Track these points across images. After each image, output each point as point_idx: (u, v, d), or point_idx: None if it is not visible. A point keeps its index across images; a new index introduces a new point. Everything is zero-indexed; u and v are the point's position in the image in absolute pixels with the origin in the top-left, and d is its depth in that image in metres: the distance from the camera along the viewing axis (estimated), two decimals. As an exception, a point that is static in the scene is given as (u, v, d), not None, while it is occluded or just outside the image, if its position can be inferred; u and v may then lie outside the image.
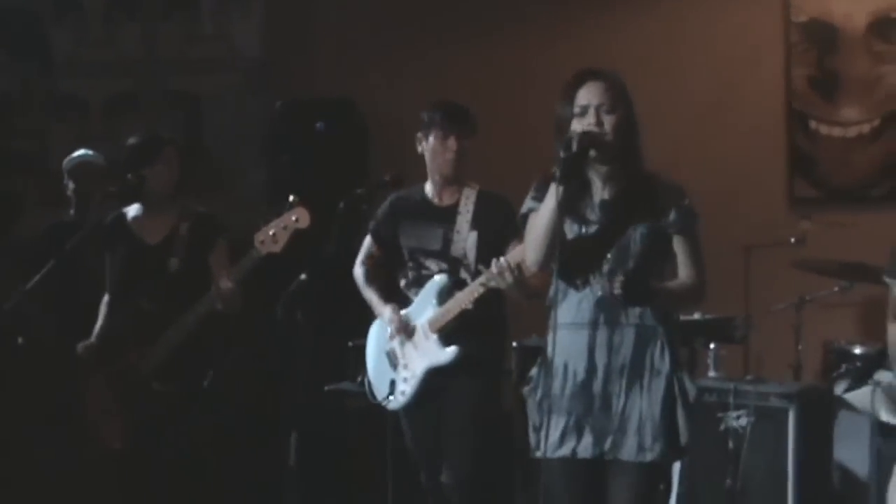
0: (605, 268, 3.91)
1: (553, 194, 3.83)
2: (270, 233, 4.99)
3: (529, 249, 3.95)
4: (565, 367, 3.93)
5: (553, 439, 3.93)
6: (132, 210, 5.40)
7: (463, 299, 4.83)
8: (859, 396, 4.77)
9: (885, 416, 4.56)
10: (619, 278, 3.81)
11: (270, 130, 7.77)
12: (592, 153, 3.83)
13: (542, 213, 3.90)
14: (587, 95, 3.90)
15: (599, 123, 3.87)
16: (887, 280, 4.29)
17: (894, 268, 4.24)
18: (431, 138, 5.00)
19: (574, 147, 3.78)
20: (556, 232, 3.86)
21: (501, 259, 4.34)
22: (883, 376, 5.86)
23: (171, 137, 5.49)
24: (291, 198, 5.00)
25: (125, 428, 5.19)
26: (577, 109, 3.90)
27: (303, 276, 4.91)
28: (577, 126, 3.88)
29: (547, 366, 3.97)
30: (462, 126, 4.99)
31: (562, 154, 3.79)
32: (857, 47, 7.09)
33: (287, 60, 8.24)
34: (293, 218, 4.97)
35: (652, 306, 3.89)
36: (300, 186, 5.16)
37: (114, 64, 8.56)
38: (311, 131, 7.52)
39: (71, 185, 6.13)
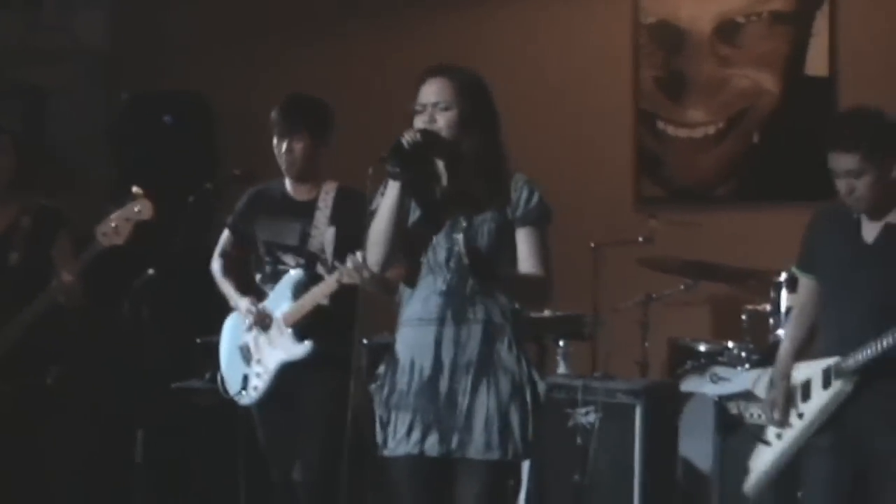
0: (452, 261, 3.90)
1: (391, 192, 3.86)
2: (112, 224, 4.89)
3: (369, 248, 3.93)
4: (412, 363, 3.92)
5: (399, 436, 3.92)
6: (-28, 205, 5.26)
7: (318, 294, 4.80)
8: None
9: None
10: (460, 235, 3.78)
11: (117, 124, 7.64)
12: (427, 149, 3.85)
13: (381, 211, 3.89)
14: (425, 93, 3.94)
15: (432, 121, 3.89)
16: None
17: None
18: (274, 137, 4.97)
19: (404, 144, 3.80)
20: (395, 231, 3.88)
21: (357, 254, 4.32)
22: (720, 371, 6.01)
23: (6, 128, 5.35)
24: (134, 189, 4.91)
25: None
26: (417, 107, 3.94)
27: (150, 271, 4.83)
28: (417, 123, 3.91)
29: (394, 362, 3.98)
30: (295, 130, 4.93)
31: (392, 150, 3.80)
32: (704, 50, 7.21)
33: (134, 52, 8.10)
34: (136, 209, 4.88)
35: (494, 285, 3.87)
36: (148, 181, 5.08)
37: (-50, 53, 8.32)
38: (159, 125, 7.41)
39: None
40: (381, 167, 3.83)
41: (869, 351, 4.08)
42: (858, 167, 4.10)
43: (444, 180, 3.98)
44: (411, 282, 3.96)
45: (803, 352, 4.47)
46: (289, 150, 4.94)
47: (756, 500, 4.79)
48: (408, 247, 3.94)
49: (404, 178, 3.83)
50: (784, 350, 4.49)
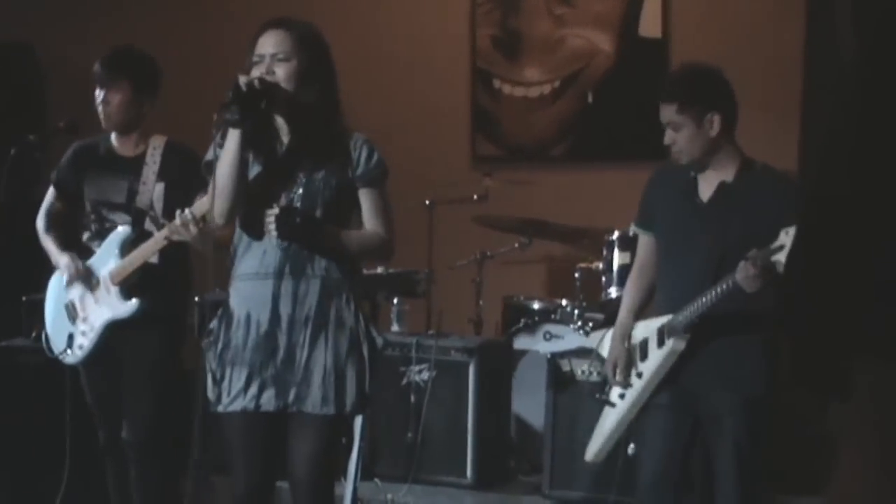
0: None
1: (231, 142, 3.80)
2: None
3: (215, 199, 3.86)
4: (248, 317, 3.89)
5: (234, 392, 3.89)
6: None
7: (146, 251, 4.70)
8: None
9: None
10: (274, 212, 3.79)
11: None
12: (265, 97, 3.79)
13: (223, 161, 3.83)
14: (263, 44, 3.90)
15: (270, 72, 3.85)
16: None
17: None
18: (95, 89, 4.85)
19: (242, 86, 3.75)
20: (238, 181, 3.83)
21: (185, 211, 4.25)
22: (553, 328, 6.07)
23: None
24: None
25: None
26: (255, 58, 3.90)
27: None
28: (255, 73, 3.86)
29: (228, 317, 3.94)
30: (113, 81, 4.80)
31: (231, 94, 3.75)
32: (540, 9, 7.26)
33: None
34: None
35: (318, 246, 3.87)
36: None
37: None
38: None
39: None
40: (223, 114, 3.77)
41: (696, 307, 4.13)
42: (676, 119, 4.15)
43: (284, 136, 3.94)
44: (258, 235, 3.90)
45: (643, 310, 4.50)
46: (105, 101, 4.81)
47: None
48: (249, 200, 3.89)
49: (243, 125, 3.77)
50: (624, 309, 4.51)
